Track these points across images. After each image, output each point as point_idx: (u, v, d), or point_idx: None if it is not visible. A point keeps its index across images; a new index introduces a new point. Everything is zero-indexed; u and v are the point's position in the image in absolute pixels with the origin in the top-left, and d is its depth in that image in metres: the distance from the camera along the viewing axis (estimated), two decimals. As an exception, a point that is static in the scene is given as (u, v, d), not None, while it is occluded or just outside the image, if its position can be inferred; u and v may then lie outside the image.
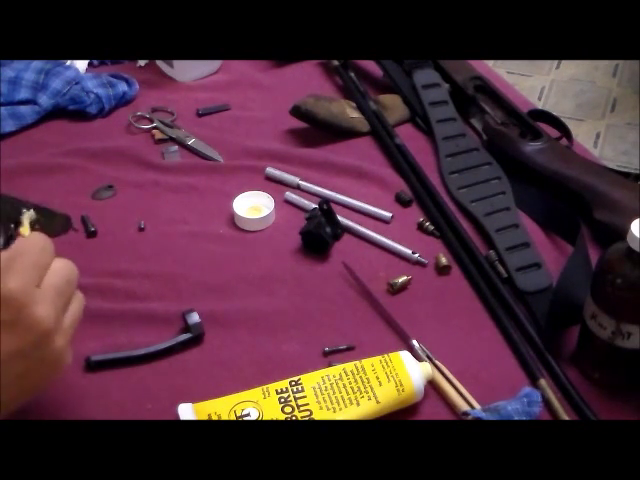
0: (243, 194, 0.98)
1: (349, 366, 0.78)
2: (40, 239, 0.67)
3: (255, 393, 0.76)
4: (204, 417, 0.74)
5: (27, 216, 0.71)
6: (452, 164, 1.03)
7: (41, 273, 0.64)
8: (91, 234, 0.95)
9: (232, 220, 0.97)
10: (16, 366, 0.63)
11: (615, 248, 0.76)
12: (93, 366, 0.80)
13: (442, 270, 0.91)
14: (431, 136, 1.08)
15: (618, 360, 0.78)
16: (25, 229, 0.70)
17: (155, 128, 1.09)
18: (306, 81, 1.18)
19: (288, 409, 0.75)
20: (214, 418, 0.74)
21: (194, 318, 0.83)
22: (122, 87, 1.13)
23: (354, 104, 1.11)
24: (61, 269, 0.66)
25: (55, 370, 0.66)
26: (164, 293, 0.88)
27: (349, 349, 0.83)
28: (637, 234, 0.72)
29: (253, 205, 0.98)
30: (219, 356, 0.83)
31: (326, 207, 0.93)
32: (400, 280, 0.89)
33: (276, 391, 0.76)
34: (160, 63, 1.20)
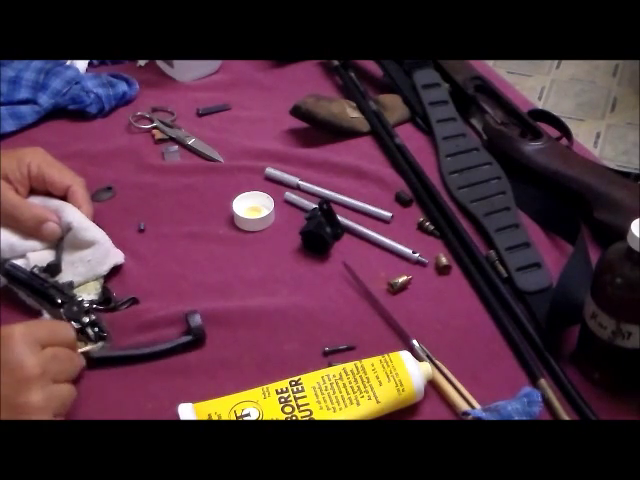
0: (243, 194, 0.98)
1: (349, 366, 0.78)
2: (66, 324, 0.77)
3: (255, 393, 0.76)
4: (204, 417, 0.74)
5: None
6: (452, 164, 1.03)
7: (50, 338, 0.72)
8: None
9: (232, 220, 0.97)
10: None
11: (615, 248, 0.76)
12: (94, 363, 0.80)
13: (442, 270, 0.91)
14: (431, 136, 1.08)
15: (618, 360, 0.78)
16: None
17: (155, 128, 1.09)
18: (306, 81, 1.18)
19: (288, 409, 0.75)
20: (214, 418, 0.74)
21: (196, 320, 0.83)
22: (122, 87, 1.13)
23: (354, 104, 1.11)
24: (71, 352, 0.74)
25: (19, 417, 0.68)
26: (164, 294, 0.88)
27: (349, 349, 0.83)
28: (637, 234, 0.72)
29: (253, 205, 0.98)
30: (219, 356, 0.83)
31: (326, 207, 0.93)
32: (400, 280, 0.89)
33: (276, 391, 0.76)
34: (160, 63, 1.20)
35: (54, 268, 0.87)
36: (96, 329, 0.83)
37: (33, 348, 0.70)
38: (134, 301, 0.87)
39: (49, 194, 0.92)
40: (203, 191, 1.01)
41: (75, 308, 0.84)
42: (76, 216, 0.89)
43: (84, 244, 0.89)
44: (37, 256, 0.88)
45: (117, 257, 0.90)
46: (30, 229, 0.88)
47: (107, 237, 0.91)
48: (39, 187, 0.91)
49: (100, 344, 0.82)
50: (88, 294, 0.87)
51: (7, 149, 0.94)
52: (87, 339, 0.82)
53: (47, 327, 0.75)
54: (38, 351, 0.70)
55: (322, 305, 0.87)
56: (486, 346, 0.84)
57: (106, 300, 0.86)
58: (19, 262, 0.87)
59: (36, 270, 0.86)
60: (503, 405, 0.75)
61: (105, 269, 0.89)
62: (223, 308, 0.87)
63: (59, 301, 0.84)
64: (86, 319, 0.83)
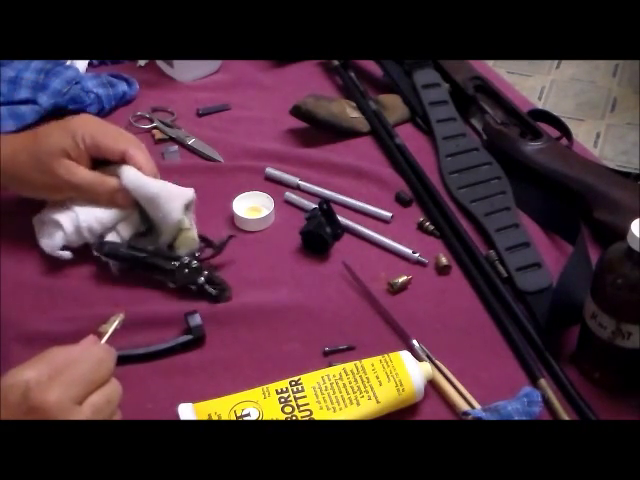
0: (243, 194, 0.98)
1: (349, 366, 0.78)
2: (100, 352, 0.67)
3: (255, 393, 0.76)
4: (204, 417, 0.74)
5: (118, 320, 0.73)
6: (452, 164, 1.03)
7: (87, 389, 0.64)
8: None
9: (232, 220, 0.97)
10: None
11: (615, 248, 0.76)
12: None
13: (442, 270, 0.91)
14: (431, 136, 1.08)
15: (618, 360, 0.78)
16: (106, 328, 0.71)
17: (155, 128, 1.09)
18: (306, 81, 1.18)
19: (288, 409, 0.75)
20: (214, 418, 0.74)
21: (196, 320, 0.83)
22: (122, 87, 1.13)
23: (354, 104, 1.11)
24: (106, 388, 0.66)
25: None
26: (165, 294, 0.88)
27: (349, 349, 0.83)
28: (637, 234, 0.72)
29: (253, 205, 0.98)
30: (219, 356, 0.83)
31: (326, 207, 0.93)
32: (400, 280, 0.89)
33: (276, 391, 0.76)
34: (160, 63, 1.20)
35: (147, 232, 0.86)
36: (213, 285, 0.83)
37: (72, 411, 0.63)
38: (231, 238, 0.87)
39: (108, 161, 0.91)
40: (203, 191, 1.01)
41: (186, 270, 0.83)
42: (129, 177, 0.88)
43: (147, 202, 0.88)
44: (126, 225, 0.89)
45: (186, 195, 0.89)
46: (106, 202, 0.88)
47: (165, 183, 0.89)
48: (97, 156, 0.90)
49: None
50: (185, 249, 0.86)
51: (52, 124, 0.92)
52: (209, 297, 0.83)
53: (81, 378, 0.64)
54: (78, 411, 0.63)
55: (322, 305, 0.87)
56: (486, 346, 0.84)
57: (207, 246, 0.85)
58: (112, 237, 0.87)
59: (132, 242, 0.85)
60: (503, 405, 0.75)
61: (177, 213, 0.87)
62: (223, 308, 0.87)
63: (168, 268, 0.83)
64: (201, 279, 0.83)
